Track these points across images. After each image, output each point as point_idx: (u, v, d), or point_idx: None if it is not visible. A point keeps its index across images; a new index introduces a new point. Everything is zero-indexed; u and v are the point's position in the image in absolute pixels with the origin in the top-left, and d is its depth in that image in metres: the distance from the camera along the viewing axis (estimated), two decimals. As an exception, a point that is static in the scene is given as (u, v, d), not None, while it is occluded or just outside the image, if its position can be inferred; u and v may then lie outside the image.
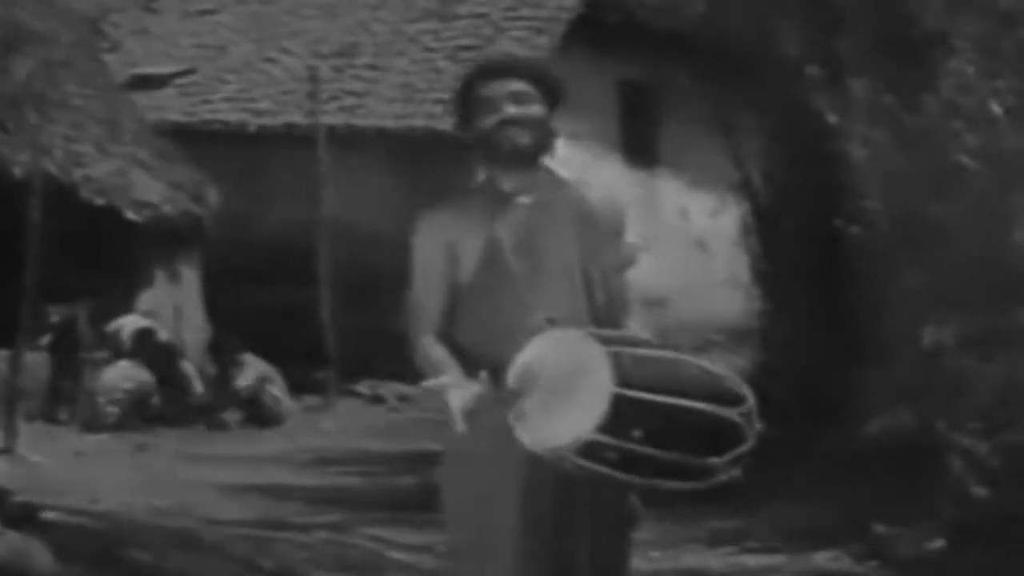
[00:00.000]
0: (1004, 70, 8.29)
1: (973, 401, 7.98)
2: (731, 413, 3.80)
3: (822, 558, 8.26)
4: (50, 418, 14.09)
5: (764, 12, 10.99)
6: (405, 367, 4.15)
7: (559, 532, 3.98)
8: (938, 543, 7.96)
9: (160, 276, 16.06)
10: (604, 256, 4.13)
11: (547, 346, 3.85)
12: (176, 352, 15.09)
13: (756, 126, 11.97)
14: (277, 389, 15.12)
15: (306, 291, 16.07)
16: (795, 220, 11.16)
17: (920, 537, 8.01)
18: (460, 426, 3.86)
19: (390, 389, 15.96)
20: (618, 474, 3.73)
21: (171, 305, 15.92)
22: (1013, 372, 7.91)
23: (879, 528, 8.21)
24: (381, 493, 10.80)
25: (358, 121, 17.55)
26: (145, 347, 14.69)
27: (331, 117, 17.18)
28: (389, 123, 17.42)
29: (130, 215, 15.30)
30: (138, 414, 14.22)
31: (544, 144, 4.12)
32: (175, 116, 18.13)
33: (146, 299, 15.75)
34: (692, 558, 8.32)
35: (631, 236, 4.22)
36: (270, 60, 18.98)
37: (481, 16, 18.35)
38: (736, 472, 3.82)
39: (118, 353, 14.62)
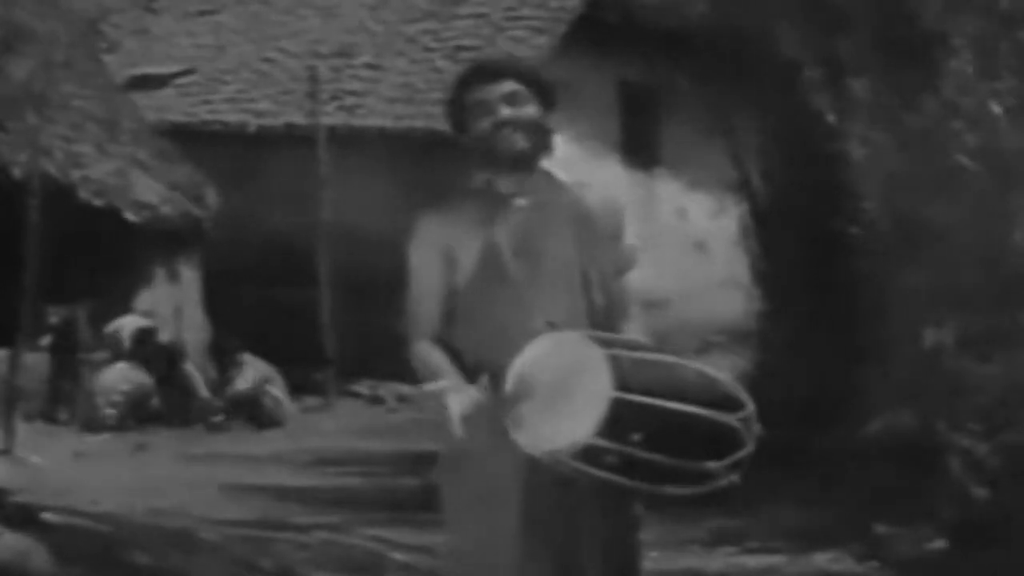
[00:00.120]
0: (1004, 70, 8.29)
1: (973, 401, 7.97)
2: (730, 418, 3.78)
3: (822, 558, 8.26)
4: (49, 419, 14.10)
5: (764, 12, 10.98)
6: (404, 368, 4.14)
7: (560, 533, 3.97)
8: (938, 543, 7.96)
9: (160, 277, 16.07)
10: (603, 258, 4.11)
11: (546, 349, 3.84)
12: (179, 354, 15.09)
13: (756, 126, 11.96)
14: (277, 390, 15.12)
15: (306, 291, 16.07)
16: (795, 221, 11.16)
17: (920, 537, 8.01)
18: (459, 431, 3.85)
19: (389, 389, 15.96)
20: (616, 478, 3.71)
21: (171, 306, 15.93)
22: (1013, 372, 7.91)
23: (879, 528, 8.21)
24: (381, 493, 10.79)
25: (358, 121, 17.55)
26: (145, 347, 14.69)
27: (331, 117, 17.18)
28: (389, 123, 17.42)
29: (129, 216, 15.31)
30: (136, 415, 14.23)
31: (541, 146, 4.10)
32: (175, 117, 18.13)
33: (145, 300, 15.76)
34: (692, 558, 8.31)
35: (630, 237, 4.21)
36: (269, 60, 18.98)
37: (481, 16, 18.35)
38: (735, 477, 3.81)
39: (118, 354, 14.62)
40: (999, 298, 8.04)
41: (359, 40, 18.73)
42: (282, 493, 10.71)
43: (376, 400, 16.22)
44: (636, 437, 3.68)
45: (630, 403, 3.68)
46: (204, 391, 14.93)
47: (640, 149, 18.96)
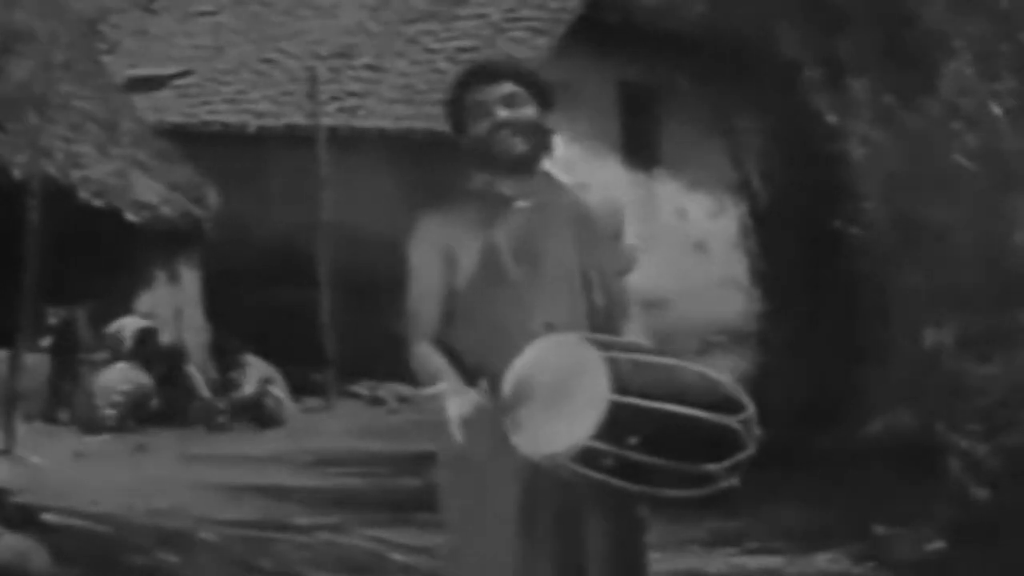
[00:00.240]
0: (1004, 71, 8.29)
1: (973, 402, 7.97)
2: (730, 420, 3.77)
3: (822, 559, 8.26)
4: (49, 419, 14.10)
5: (764, 13, 10.98)
6: (404, 368, 4.14)
7: (559, 536, 3.97)
8: (938, 544, 7.95)
9: (160, 277, 16.07)
10: (603, 260, 4.10)
11: (544, 352, 3.83)
12: (182, 356, 15.08)
13: (756, 127, 11.96)
14: (279, 390, 15.13)
15: (306, 292, 16.07)
16: (795, 221, 11.15)
17: (920, 538, 8.01)
18: (458, 435, 3.85)
19: (389, 390, 15.96)
20: (615, 481, 3.70)
21: (171, 306, 15.93)
22: (1013, 373, 7.90)
23: (879, 529, 8.21)
24: (381, 494, 10.79)
25: (358, 122, 17.55)
26: (146, 347, 14.70)
27: (331, 118, 17.18)
28: (389, 124, 17.42)
29: (129, 216, 15.31)
30: (137, 416, 14.22)
31: (541, 147, 4.10)
32: (174, 117, 18.14)
33: (146, 300, 15.76)
34: (692, 559, 8.31)
35: (630, 238, 4.21)
36: (269, 61, 18.99)
37: (481, 17, 18.35)
38: (735, 480, 3.79)
39: (118, 354, 14.62)
40: (999, 298, 8.04)
41: (359, 41, 18.74)
42: (282, 494, 10.71)
43: (376, 401, 16.22)
44: (634, 440, 3.67)
45: (628, 406, 3.67)
46: (206, 392, 14.93)
47: (640, 149, 18.97)
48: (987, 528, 7.62)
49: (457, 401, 3.88)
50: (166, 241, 15.89)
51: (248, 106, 18.33)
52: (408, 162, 16.68)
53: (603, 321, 4.04)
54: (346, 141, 16.96)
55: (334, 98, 17.65)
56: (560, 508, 3.95)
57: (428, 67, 17.91)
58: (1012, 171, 8.08)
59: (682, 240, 18.53)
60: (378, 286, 14.70)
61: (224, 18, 20.00)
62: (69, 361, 14.57)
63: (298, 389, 15.50)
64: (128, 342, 14.69)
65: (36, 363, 13.75)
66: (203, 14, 20.15)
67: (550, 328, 3.93)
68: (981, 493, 7.72)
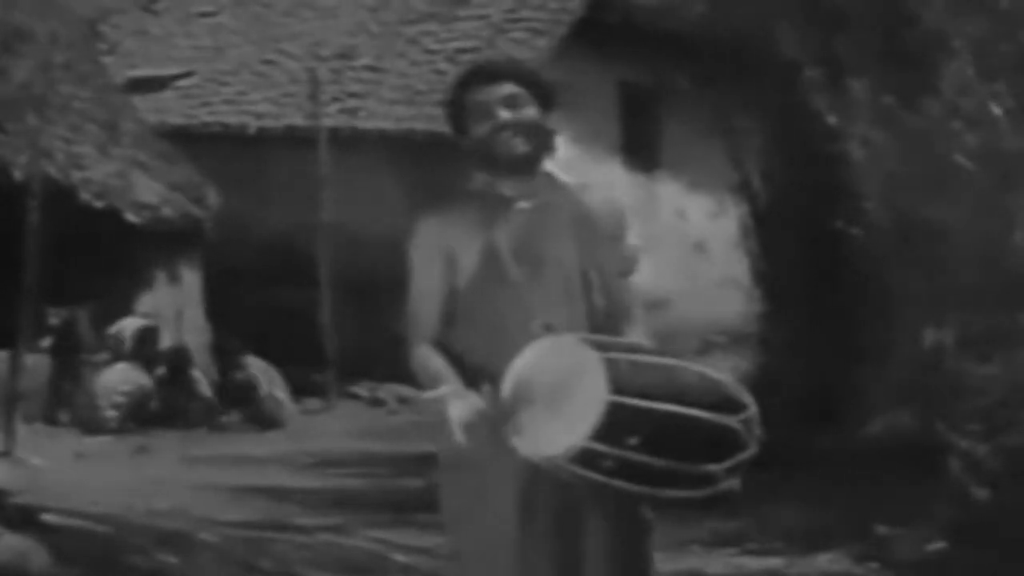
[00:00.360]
0: (1004, 71, 8.29)
1: (973, 402, 7.97)
2: (730, 420, 3.74)
3: (822, 560, 8.26)
4: (50, 420, 14.10)
5: (764, 13, 10.98)
6: (405, 369, 4.13)
7: (560, 535, 3.96)
8: (938, 544, 7.95)
9: (160, 278, 16.07)
10: (604, 261, 4.09)
11: (541, 353, 3.81)
12: (188, 358, 15.07)
13: (756, 127, 11.97)
14: (279, 391, 15.12)
15: (306, 293, 16.07)
16: (795, 221, 11.16)
17: (920, 538, 8.01)
18: (461, 438, 3.84)
19: (390, 391, 15.96)
20: (615, 482, 3.68)
21: (171, 307, 15.93)
22: (1013, 373, 7.91)
23: (879, 529, 8.21)
24: (382, 495, 10.79)
25: (359, 123, 17.55)
26: (146, 347, 14.70)
27: (331, 119, 17.18)
28: (390, 125, 17.42)
29: (130, 217, 15.31)
30: (137, 417, 14.22)
31: (542, 148, 4.08)
32: (175, 118, 18.14)
33: (146, 301, 15.76)
34: (692, 559, 8.31)
35: (631, 238, 4.20)
36: (270, 62, 18.99)
37: (482, 18, 18.35)
38: (736, 481, 3.77)
39: (118, 355, 14.62)
40: (999, 298, 8.05)
41: (359, 42, 18.74)
42: (282, 495, 10.71)
43: (376, 402, 16.22)
44: (633, 440, 3.65)
45: (626, 407, 3.65)
46: (208, 393, 14.93)
47: (640, 150, 18.97)
48: (987, 528, 7.62)
49: (459, 404, 3.87)
50: (166, 242, 15.88)
51: (248, 107, 18.33)
52: (408, 163, 16.69)
53: (604, 322, 4.03)
54: (346, 142, 16.96)
55: (334, 99, 17.65)
56: (560, 508, 3.94)
57: (428, 68, 17.91)
58: (1012, 171, 8.08)
59: (682, 240, 18.54)
60: (378, 287, 14.70)
61: (225, 19, 20.01)
62: (70, 362, 14.56)
63: (298, 390, 15.50)
64: (128, 342, 14.69)
65: (36, 364, 13.75)
66: (204, 15, 20.15)
67: (549, 329, 3.92)
68: (981, 493, 7.73)
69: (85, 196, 14.87)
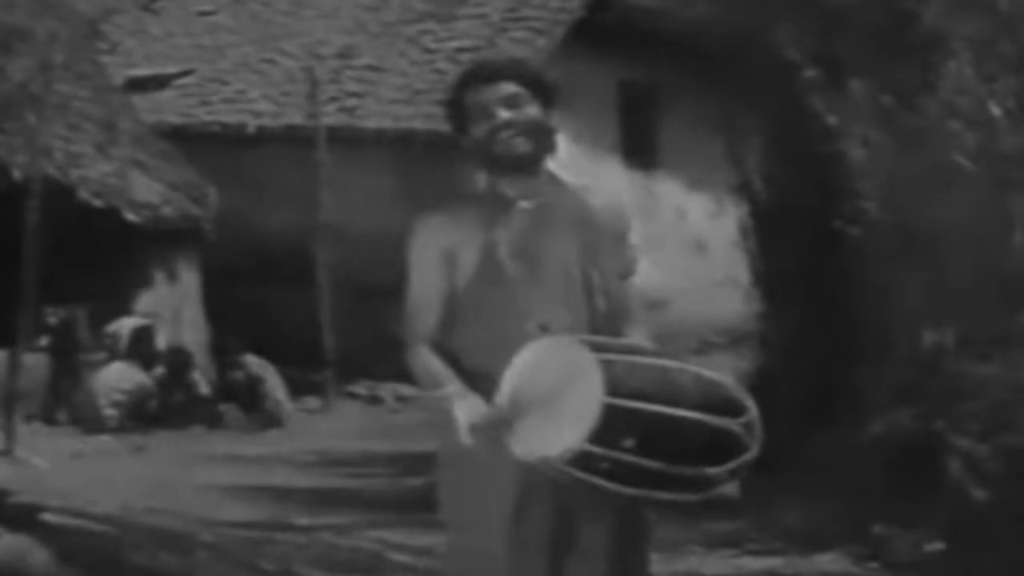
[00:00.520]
0: (1002, 71, 8.29)
1: (973, 403, 7.97)
2: (728, 423, 3.70)
3: (822, 560, 8.25)
4: (49, 419, 14.09)
5: (763, 13, 10.97)
6: (404, 369, 4.12)
7: (557, 535, 3.95)
8: (937, 545, 7.95)
9: (159, 277, 16.07)
10: (606, 262, 4.07)
11: (538, 354, 3.78)
12: (188, 359, 15.07)
13: (755, 127, 11.95)
14: (278, 391, 15.12)
15: (305, 292, 16.07)
16: (795, 221, 11.14)
17: (919, 539, 8.01)
18: (468, 439, 3.83)
19: (389, 390, 15.96)
20: (611, 485, 3.65)
21: (170, 306, 15.93)
22: (1013, 373, 7.91)
23: (879, 530, 8.21)
24: (382, 494, 10.79)
25: (358, 122, 17.55)
26: (142, 345, 14.70)
27: (330, 118, 17.18)
28: (389, 125, 17.42)
29: (129, 216, 15.31)
30: (137, 416, 14.22)
31: (544, 147, 4.05)
32: (174, 118, 18.14)
33: (145, 300, 15.76)
34: (691, 560, 8.30)
35: (631, 238, 4.19)
36: (269, 61, 18.99)
37: (481, 17, 18.36)
38: (735, 484, 3.74)
39: (115, 354, 14.62)
40: (999, 298, 8.05)
41: (359, 41, 18.73)
42: (282, 494, 10.70)
43: (375, 401, 16.22)
44: (629, 443, 3.62)
45: (622, 409, 3.62)
46: (207, 392, 14.93)
47: (640, 150, 18.97)
48: (987, 528, 7.62)
49: (465, 405, 3.86)
50: (165, 241, 15.88)
51: (248, 106, 18.33)
52: (408, 162, 16.68)
53: (604, 323, 4.01)
54: (346, 141, 16.95)
55: (334, 98, 17.65)
56: (558, 508, 3.93)
57: (428, 67, 17.91)
58: (1011, 172, 8.08)
59: (682, 240, 18.54)
60: (377, 286, 14.70)
61: (224, 18, 20.00)
62: (68, 361, 14.56)
63: (297, 389, 15.50)
64: (124, 341, 14.69)
65: (35, 363, 13.75)
66: (203, 14, 20.15)
67: (545, 329, 3.90)
68: (981, 493, 7.72)
69: (84, 195, 14.88)
